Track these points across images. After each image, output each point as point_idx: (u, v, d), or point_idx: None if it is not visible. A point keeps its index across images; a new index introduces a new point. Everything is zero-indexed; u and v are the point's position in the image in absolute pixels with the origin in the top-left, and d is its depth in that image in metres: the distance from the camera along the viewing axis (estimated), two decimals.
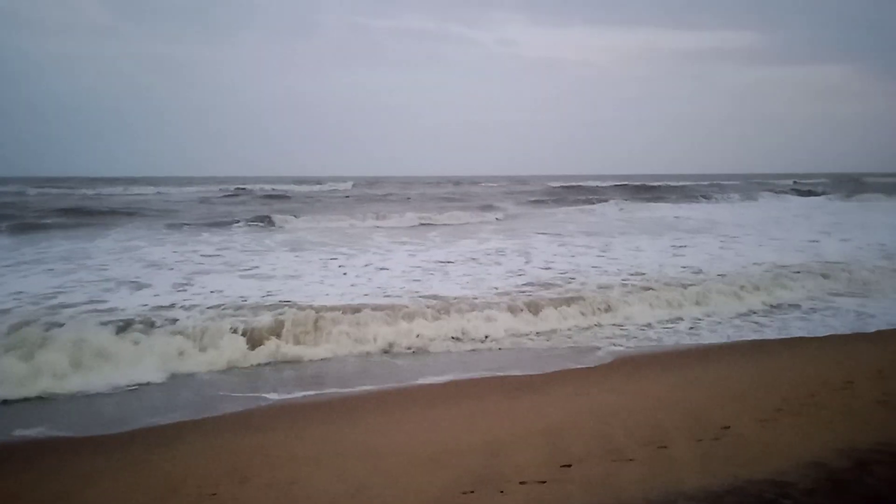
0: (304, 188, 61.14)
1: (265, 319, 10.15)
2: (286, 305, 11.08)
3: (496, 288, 12.83)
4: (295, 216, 29.63)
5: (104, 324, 9.66)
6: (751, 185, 67.87)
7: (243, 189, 56.45)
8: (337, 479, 5.37)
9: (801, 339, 10.39)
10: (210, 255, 17.55)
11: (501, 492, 5.07)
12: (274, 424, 6.90)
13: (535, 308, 11.11)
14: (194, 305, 11.21)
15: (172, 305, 11.21)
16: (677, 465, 5.50)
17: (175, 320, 10.12)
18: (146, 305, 11.22)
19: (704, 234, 22.98)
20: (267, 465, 5.71)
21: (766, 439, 5.97)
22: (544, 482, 5.20)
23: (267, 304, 11.38)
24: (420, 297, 12.05)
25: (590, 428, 6.33)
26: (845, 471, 5.31)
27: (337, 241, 21.01)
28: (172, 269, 15.08)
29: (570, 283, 13.35)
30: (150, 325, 9.80)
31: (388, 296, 12.16)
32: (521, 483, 5.20)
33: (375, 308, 10.79)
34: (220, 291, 12.44)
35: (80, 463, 5.97)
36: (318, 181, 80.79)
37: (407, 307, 10.99)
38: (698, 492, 5.04)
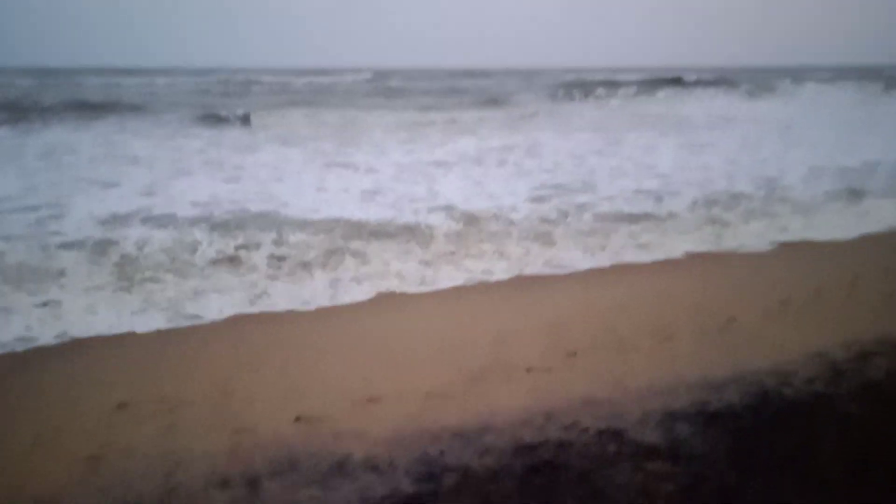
0: (317, 79, 59.49)
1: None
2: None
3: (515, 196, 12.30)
4: (285, 113, 28.11)
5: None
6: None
7: (247, 79, 55.51)
8: (348, 371, 5.52)
9: (809, 242, 10.37)
10: (191, 153, 16.54)
11: (508, 379, 5.21)
12: (292, 318, 7.03)
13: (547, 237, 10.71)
14: (150, 219, 10.25)
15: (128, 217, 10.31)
16: (681, 355, 5.61)
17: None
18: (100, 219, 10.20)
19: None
20: (280, 355, 5.87)
21: (771, 332, 6.06)
22: (550, 370, 5.33)
23: (240, 215, 10.50)
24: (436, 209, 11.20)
25: (596, 321, 6.43)
26: (847, 361, 5.40)
27: (337, 139, 20.05)
28: (151, 167, 14.27)
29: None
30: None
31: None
32: (527, 371, 5.33)
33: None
34: (191, 199, 11.39)
35: None
36: (333, 72, 78.55)
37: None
38: (700, 380, 5.16)
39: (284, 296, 7.30)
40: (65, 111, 27.28)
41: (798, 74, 63.57)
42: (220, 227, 9.85)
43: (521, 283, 7.79)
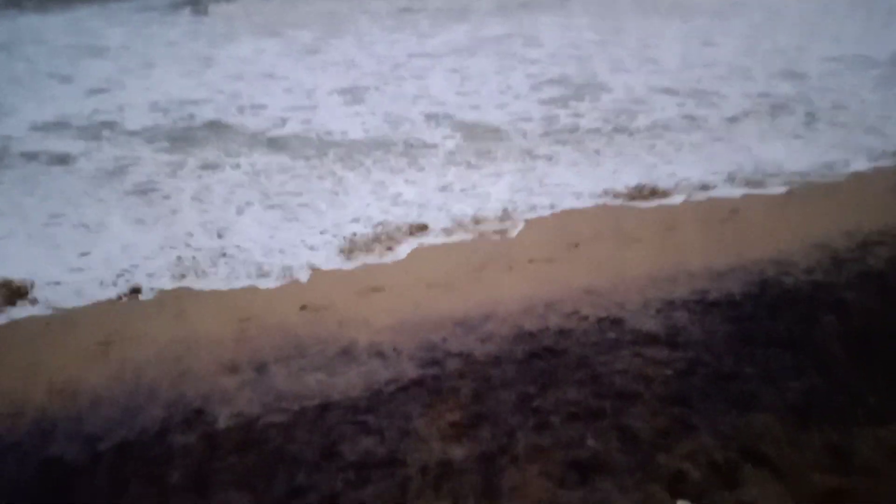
0: None
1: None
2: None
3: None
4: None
5: None
6: None
7: None
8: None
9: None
10: (163, 44, 14.28)
11: (510, 269, 5.25)
12: None
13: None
14: (87, 128, 8.90)
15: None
16: (683, 245, 5.61)
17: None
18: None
19: None
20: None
21: (774, 222, 6.04)
22: (552, 261, 5.35)
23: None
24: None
25: (599, 212, 6.41)
26: (847, 251, 5.41)
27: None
28: (116, 59, 12.58)
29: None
30: None
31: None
32: (529, 261, 5.36)
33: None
34: (148, 99, 10.02)
35: None
36: None
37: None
38: (702, 269, 5.19)
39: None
40: None
41: None
42: (166, 141, 8.42)
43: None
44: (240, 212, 6.40)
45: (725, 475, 3.05)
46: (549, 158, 7.66)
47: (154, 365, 4.17)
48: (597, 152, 7.91)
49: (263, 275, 5.29)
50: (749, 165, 7.31)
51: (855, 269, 5.14)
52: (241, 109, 9.65)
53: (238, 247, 5.74)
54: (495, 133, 8.53)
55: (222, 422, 3.68)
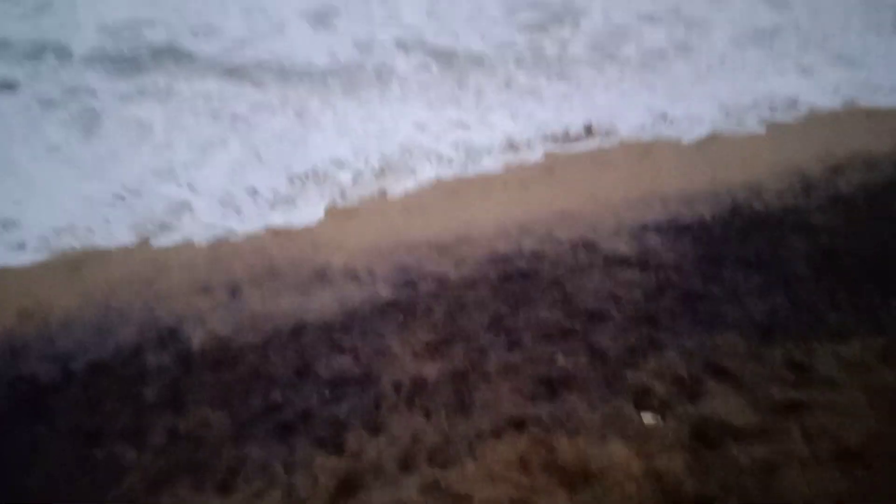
0: None
1: None
2: None
3: None
4: None
5: None
6: None
7: None
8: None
9: None
10: None
11: (484, 193, 5.25)
12: None
13: None
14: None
15: None
16: (658, 170, 5.63)
17: None
18: None
19: None
20: None
21: (749, 150, 6.06)
22: (527, 185, 5.36)
23: None
24: None
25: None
26: (818, 176, 5.47)
27: None
28: None
29: None
30: None
31: None
32: (503, 184, 5.36)
33: None
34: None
35: None
36: None
37: None
38: (676, 193, 5.22)
39: None
40: None
41: None
42: (114, 66, 7.71)
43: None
44: (202, 149, 5.97)
45: (689, 389, 3.15)
46: (533, 91, 7.50)
47: (126, 287, 4.16)
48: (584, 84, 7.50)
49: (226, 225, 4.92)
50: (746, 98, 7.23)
51: (825, 193, 5.21)
52: (195, 32, 8.78)
53: (196, 191, 5.30)
54: (475, 61, 8.36)
55: (196, 342, 3.70)
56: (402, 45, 8.47)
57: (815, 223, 4.77)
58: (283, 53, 8.14)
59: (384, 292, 4.12)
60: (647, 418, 2.96)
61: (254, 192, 5.26)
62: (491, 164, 5.74)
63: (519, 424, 2.97)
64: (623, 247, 4.55)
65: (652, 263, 4.34)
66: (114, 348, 3.66)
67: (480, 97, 7.10)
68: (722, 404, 3.01)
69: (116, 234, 4.74)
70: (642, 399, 3.07)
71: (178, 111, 6.71)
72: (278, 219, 4.99)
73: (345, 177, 5.51)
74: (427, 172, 5.62)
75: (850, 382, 3.13)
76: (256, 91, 7.28)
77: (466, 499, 2.56)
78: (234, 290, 4.16)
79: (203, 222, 4.94)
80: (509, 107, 6.89)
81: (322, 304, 4.06)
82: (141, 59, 7.92)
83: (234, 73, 7.65)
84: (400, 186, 5.40)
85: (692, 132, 6.40)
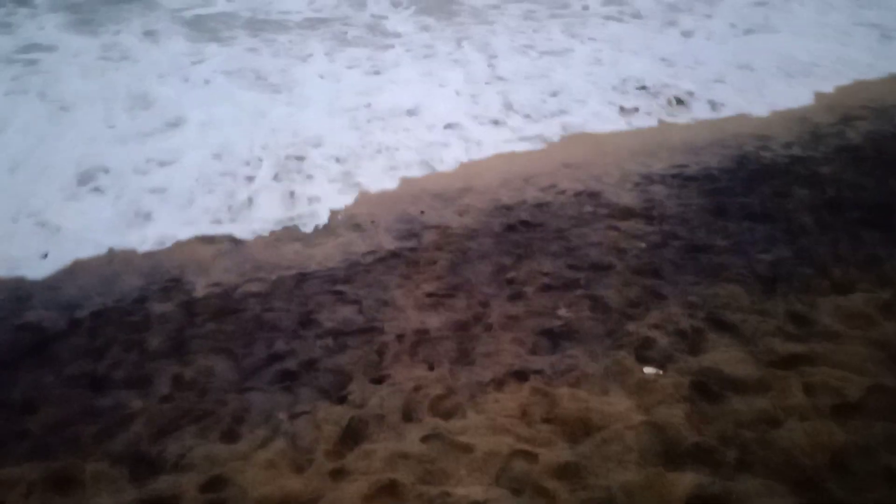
0: None
1: None
2: None
3: None
4: None
5: None
6: None
7: None
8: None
9: None
10: None
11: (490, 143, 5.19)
12: None
13: None
14: None
15: None
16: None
17: None
18: None
19: None
20: None
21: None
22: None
23: None
24: None
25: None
26: (828, 125, 5.40)
27: None
28: None
29: None
30: None
31: None
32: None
33: None
34: None
35: None
36: None
37: None
38: (681, 145, 5.18)
39: None
40: None
41: None
42: (69, 15, 7.48)
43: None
44: (173, 124, 5.47)
45: (691, 342, 3.15)
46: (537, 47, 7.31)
47: None
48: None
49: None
50: None
51: (833, 143, 5.14)
52: None
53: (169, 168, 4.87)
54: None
55: (200, 290, 3.71)
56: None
57: (822, 174, 4.71)
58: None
59: (387, 243, 4.11)
60: (648, 370, 2.97)
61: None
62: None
63: (521, 375, 2.98)
64: (627, 197, 4.52)
65: (656, 214, 4.31)
66: (118, 296, 3.68)
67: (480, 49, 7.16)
68: (723, 356, 3.02)
69: None
70: (644, 351, 3.08)
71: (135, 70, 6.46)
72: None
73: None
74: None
75: (851, 335, 3.13)
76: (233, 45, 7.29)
77: (468, 448, 2.58)
78: (237, 239, 4.16)
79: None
80: None
81: (325, 253, 4.05)
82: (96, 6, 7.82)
83: (201, 24, 7.52)
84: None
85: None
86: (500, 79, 6.28)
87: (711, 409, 2.74)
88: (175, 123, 5.47)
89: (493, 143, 5.23)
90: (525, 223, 4.26)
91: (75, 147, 5.04)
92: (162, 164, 4.90)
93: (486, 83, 6.19)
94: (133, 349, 3.27)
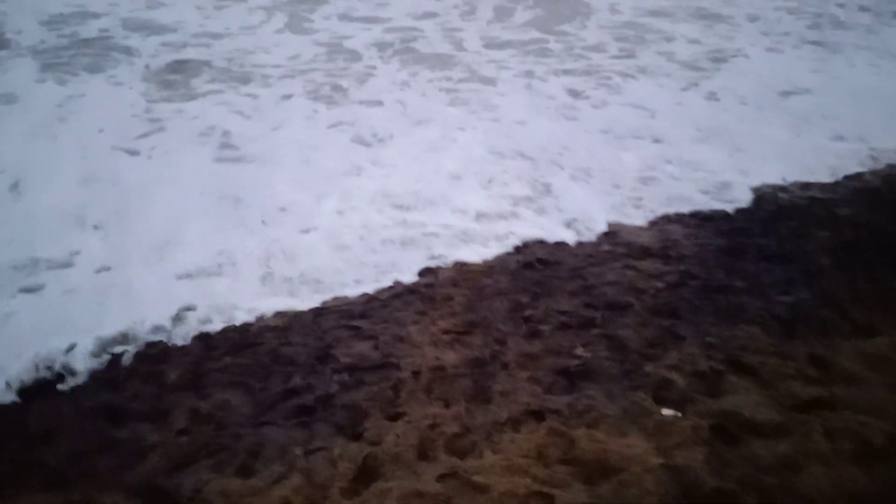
0: None
1: None
2: None
3: None
4: None
5: None
6: None
7: None
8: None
9: None
10: None
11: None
12: None
13: None
14: None
15: None
16: None
17: None
18: None
19: None
20: None
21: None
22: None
23: None
24: None
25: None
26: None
27: None
28: None
29: None
30: None
31: None
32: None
33: None
34: None
35: None
36: None
37: None
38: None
39: None
40: None
41: None
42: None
43: None
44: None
45: (710, 384, 3.13)
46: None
47: None
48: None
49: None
50: None
51: (851, 185, 5.14)
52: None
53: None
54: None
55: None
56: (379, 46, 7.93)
57: (840, 215, 4.70)
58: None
59: (406, 278, 4.12)
60: (667, 412, 2.95)
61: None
62: None
63: (538, 415, 2.97)
64: (645, 237, 4.52)
65: (673, 254, 4.31)
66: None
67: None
68: (742, 399, 2.99)
69: None
70: (662, 393, 3.06)
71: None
72: None
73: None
74: None
75: (873, 379, 3.10)
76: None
77: (485, 489, 2.56)
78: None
79: None
80: None
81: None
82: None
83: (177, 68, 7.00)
84: None
85: None
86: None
87: (731, 452, 2.71)
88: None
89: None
90: (542, 261, 4.27)
91: None
92: None
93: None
94: (151, 382, 3.29)
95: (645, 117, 6.22)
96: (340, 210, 4.73)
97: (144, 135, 5.74)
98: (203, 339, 3.60)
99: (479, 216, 4.71)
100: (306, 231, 4.50)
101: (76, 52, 7.47)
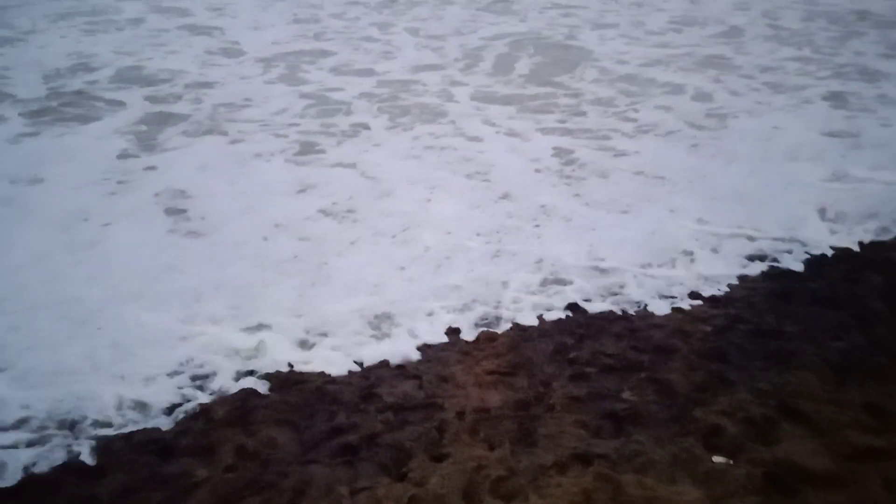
0: None
1: None
2: None
3: None
4: None
5: None
6: None
7: None
8: None
9: None
10: None
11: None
12: None
13: None
14: None
15: None
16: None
17: None
18: None
19: None
20: None
21: None
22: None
23: None
24: None
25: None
26: None
27: None
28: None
29: None
30: None
31: None
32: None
33: None
34: None
35: None
36: None
37: None
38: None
39: None
40: None
41: None
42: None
43: None
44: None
45: (762, 431, 3.05)
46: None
47: None
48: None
49: None
50: None
51: None
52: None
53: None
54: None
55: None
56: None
57: (892, 259, 4.60)
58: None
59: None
60: (718, 459, 2.88)
61: None
62: None
63: (584, 459, 2.92)
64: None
65: (722, 298, 4.25)
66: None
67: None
68: (797, 447, 2.91)
69: None
70: (712, 439, 2.99)
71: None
72: None
73: None
74: None
75: None
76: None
77: None
78: None
79: None
80: None
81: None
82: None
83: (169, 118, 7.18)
84: None
85: None
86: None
87: (786, 503, 2.63)
88: None
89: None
90: (587, 302, 4.25)
91: None
92: None
93: None
94: (199, 418, 3.33)
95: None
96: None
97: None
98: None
99: None
100: None
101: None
